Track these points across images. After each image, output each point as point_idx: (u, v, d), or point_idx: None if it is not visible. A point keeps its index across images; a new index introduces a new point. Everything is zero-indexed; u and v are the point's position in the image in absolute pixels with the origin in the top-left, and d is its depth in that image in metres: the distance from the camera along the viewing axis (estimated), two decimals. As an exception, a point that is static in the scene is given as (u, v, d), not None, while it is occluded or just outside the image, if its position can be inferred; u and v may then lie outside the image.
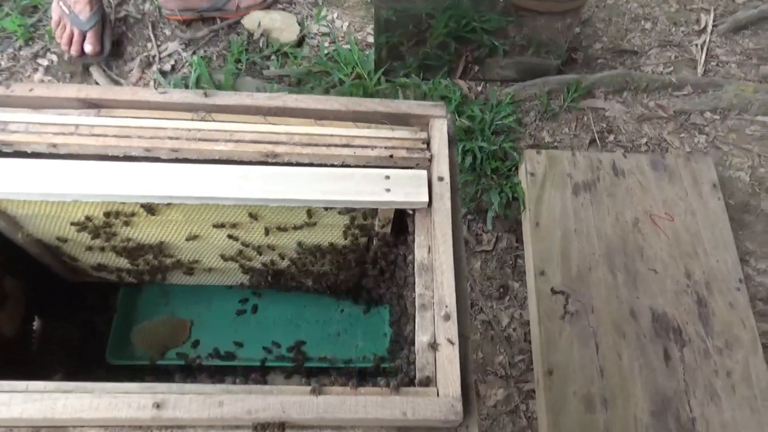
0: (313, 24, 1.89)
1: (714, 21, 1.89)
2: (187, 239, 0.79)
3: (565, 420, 1.13)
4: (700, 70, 1.76)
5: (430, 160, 0.72)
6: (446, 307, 0.62)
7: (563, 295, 1.26)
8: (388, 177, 0.69)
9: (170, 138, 0.70)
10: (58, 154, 0.69)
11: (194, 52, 1.80)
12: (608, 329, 1.22)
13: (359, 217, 0.77)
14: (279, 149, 0.71)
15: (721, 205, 1.38)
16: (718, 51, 1.82)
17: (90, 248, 0.82)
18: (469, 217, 1.50)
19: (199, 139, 0.70)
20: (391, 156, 0.71)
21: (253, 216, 0.75)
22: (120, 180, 0.67)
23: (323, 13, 1.90)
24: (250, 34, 1.84)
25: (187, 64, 1.75)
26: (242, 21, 1.86)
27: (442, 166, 0.71)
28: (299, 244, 0.82)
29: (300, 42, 1.84)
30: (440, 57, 1.69)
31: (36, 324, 0.92)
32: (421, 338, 0.61)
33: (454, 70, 1.73)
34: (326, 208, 0.75)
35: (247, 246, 0.83)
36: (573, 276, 1.29)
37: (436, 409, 0.56)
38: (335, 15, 1.91)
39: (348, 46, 1.79)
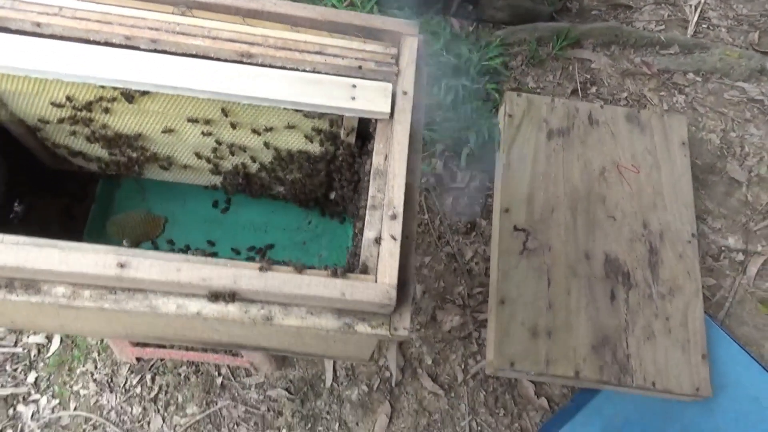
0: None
1: (712, -16, 1.89)
2: (163, 131, 0.84)
3: (511, 345, 1.22)
4: (690, 30, 1.78)
5: (396, 75, 0.76)
6: (394, 208, 0.68)
7: (524, 232, 1.33)
8: (354, 86, 0.73)
9: (150, 29, 0.73)
10: (42, 33, 0.72)
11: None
12: (562, 267, 1.30)
13: (326, 123, 0.81)
14: (254, 50, 0.74)
15: (686, 162, 1.43)
16: (711, 14, 1.83)
17: (72, 133, 0.86)
18: (446, 153, 1.54)
19: (178, 33, 0.73)
20: (360, 67, 0.75)
21: (225, 112, 0.79)
22: (100, 63, 0.70)
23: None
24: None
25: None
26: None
27: (407, 82, 0.75)
28: (268, 145, 0.87)
29: None
30: (433, -7, 1.69)
31: (17, 206, 0.97)
32: (368, 234, 0.67)
33: (448, 7, 1.73)
34: (294, 110, 0.79)
35: (220, 144, 0.87)
36: (536, 216, 1.35)
37: (372, 294, 0.62)
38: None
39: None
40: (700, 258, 1.45)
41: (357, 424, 1.27)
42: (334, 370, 1.30)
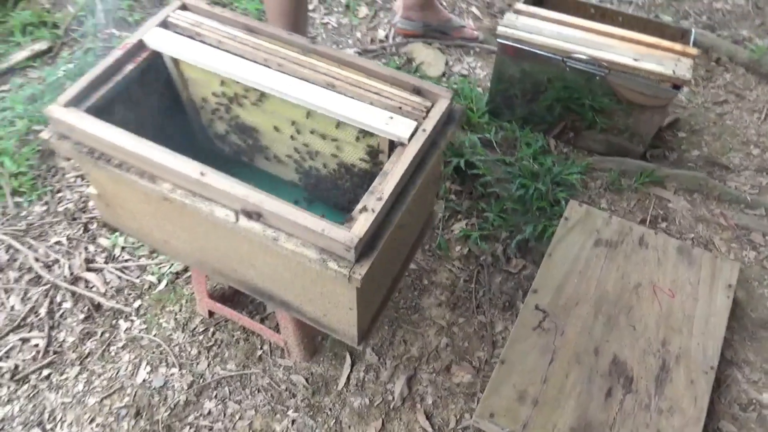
0: (457, 65, 2.31)
1: (825, 167, 1.93)
2: (269, 124, 1.23)
3: (497, 399, 1.34)
4: (784, 201, 1.83)
5: (423, 119, 1.06)
6: (382, 193, 0.95)
7: (544, 313, 1.47)
8: (391, 117, 1.05)
9: (280, 57, 1.14)
10: (219, 47, 1.17)
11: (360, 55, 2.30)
12: (568, 353, 1.40)
13: (375, 142, 1.13)
14: (336, 83, 1.11)
15: (726, 304, 1.48)
16: (814, 192, 1.86)
17: (219, 118, 1.29)
18: (507, 240, 1.76)
19: (295, 63, 1.13)
20: (400, 108, 1.07)
21: (308, 115, 1.15)
22: (245, 71, 1.12)
23: (468, 60, 2.31)
24: (408, 59, 2.32)
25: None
26: (405, 50, 2.35)
27: (429, 124, 1.05)
28: (335, 155, 1.21)
29: (441, 76, 2.26)
30: (543, 116, 1.99)
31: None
32: (359, 206, 0.95)
33: (551, 130, 2.01)
34: (348, 125, 1.12)
35: (303, 145, 1.23)
36: (560, 303, 1.49)
37: (341, 235, 0.89)
38: (478, 64, 2.32)
39: (480, 89, 2.16)
40: (726, 403, 1.44)
41: (350, 427, 1.45)
42: (348, 378, 1.52)
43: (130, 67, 1.15)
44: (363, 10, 2.53)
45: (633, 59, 1.73)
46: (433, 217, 1.42)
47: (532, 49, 1.79)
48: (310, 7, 2.51)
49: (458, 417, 1.46)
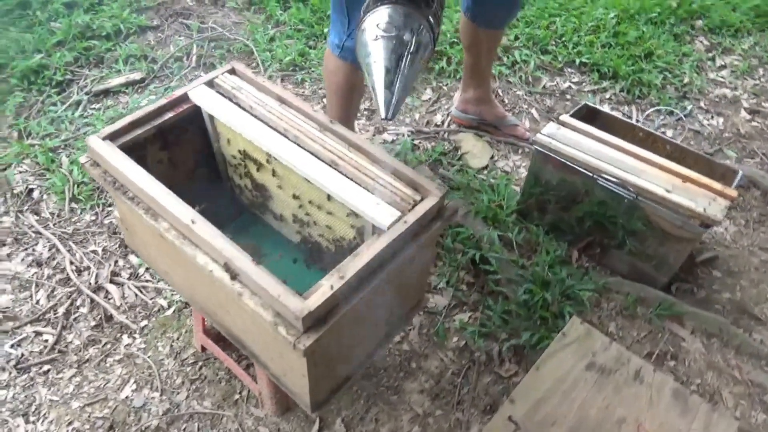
0: (502, 161, 2.36)
1: None
2: (277, 187, 1.33)
3: (443, 503, 1.30)
4: (813, 367, 1.70)
5: (408, 210, 1.12)
6: (345, 273, 1.01)
7: (516, 425, 1.43)
8: (378, 203, 1.12)
9: (298, 129, 1.25)
10: (249, 112, 1.29)
11: (413, 140, 2.41)
12: (530, 473, 1.35)
13: (357, 219, 1.20)
14: (340, 162, 1.19)
15: (715, 463, 1.37)
16: None
17: (239, 174, 1.41)
18: (505, 344, 1.74)
19: (309, 137, 1.23)
20: (390, 197, 1.14)
21: (307, 186, 1.24)
22: (265, 137, 1.23)
23: (515, 158, 2.36)
24: (455, 147, 2.40)
25: (400, 143, 2.37)
26: (455, 137, 2.44)
27: (411, 217, 1.11)
28: (329, 227, 1.28)
29: (483, 168, 2.32)
30: (572, 227, 1.99)
31: (198, 207, 1.54)
32: (322, 281, 1.01)
33: (577, 242, 2.00)
34: (338, 203, 1.19)
35: (304, 212, 1.32)
36: (535, 419, 1.44)
37: (293, 304, 0.95)
38: (523, 163, 2.36)
39: (516, 188, 2.20)
40: None
41: (298, 493, 1.45)
42: (312, 443, 1.53)
43: (170, 114, 1.30)
44: (427, 93, 2.67)
45: (665, 189, 1.71)
46: (421, 305, 1.45)
47: (564, 161, 1.82)
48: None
49: None
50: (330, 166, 1.20)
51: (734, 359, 1.71)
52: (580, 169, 1.80)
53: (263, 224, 1.54)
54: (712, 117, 2.58)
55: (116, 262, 1.92)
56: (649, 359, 1.69)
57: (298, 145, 1.23)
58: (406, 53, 1.00)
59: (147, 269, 1.91)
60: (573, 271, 1.88)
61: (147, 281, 1.88)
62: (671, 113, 2.55)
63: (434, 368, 1.71)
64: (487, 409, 1.62)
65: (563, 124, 1.93)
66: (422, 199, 1.14)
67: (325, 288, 0.99)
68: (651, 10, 3.00)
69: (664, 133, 2.46)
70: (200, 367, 1.67)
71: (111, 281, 1.86)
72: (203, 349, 1.69)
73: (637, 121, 2.52)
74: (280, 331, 0.97)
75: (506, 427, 1.44)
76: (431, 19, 1.05)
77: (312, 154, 1.21)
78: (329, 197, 1.19)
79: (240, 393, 1.62)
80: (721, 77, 2.78)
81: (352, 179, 1.17)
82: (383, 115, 1.04)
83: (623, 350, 1.59)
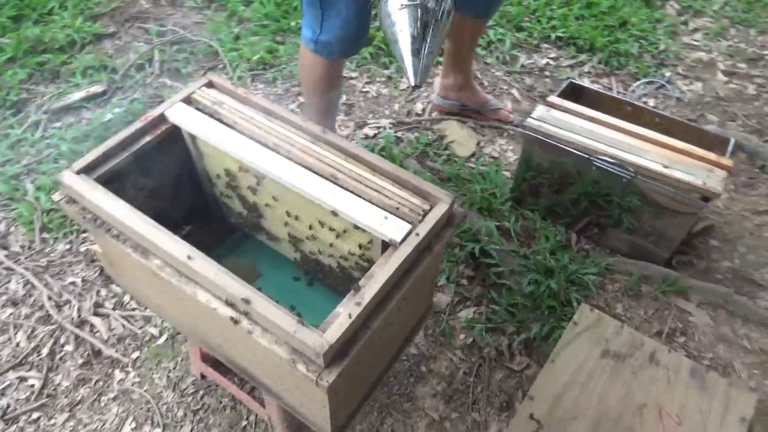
0: (488, 147, 2.31)
1: None
2: (270, 206, 1.24)
3: None
4: (819, 329, 1.71)
5: (419, 222, 1.05)
6: (362, 298, 0.94)
7: (538, 423, 1.40)
8: (386, 217, 1.05)
9: (289, 144, 1.16)
10: (235, 127, 1.20)
11: (396, 132, 2.34)
12: (559, 472, 1.32)
13: (364, 234, 1.12)
14: (339, 175, 1.11)
15: (740, 440, 1.37)
16: None
17: (227, 194, 1.32)
18: (515, 336, 1.70)
19: (303, 151, 1.15)
20: (398, 208, 1.07)
21: (307, 203, 1.16)
22: (254, 153, 1.14)
23: (500, 142, 2.31)
24: (440, 136, 2.34)
25: (383, 136, 2.29)
26: (438, 126, 2.37)
27: (423, 228, 1.04)
28: (331, 245, 1.21)
29: (470, 156, 2.26)
30: (568, 209, 1.95)
31: (185, 228, 1.45)
32: (338, 309, 0.94)
33: (574, 224, 1.96)
34: (342, 218, 1.12)
35: (299, 227, 1.24)
36: (556, 415, 1.41)
37: (312, 340, 0.88)
38: (510, 147, 2.31)
39: (507, 173, 2.15)
40: None
41: None
42: (329, 463, 1.47)
43: (148, 138, 1.20)
44: (404, 82, 2.58)
45: (663, 165, 1.68)
46: (431, 310, 1.39)
47: (559, 145, 1.77)
48: (353, 74, 2.58)
49: None
50: (329, 180, 1.12)
51: (742, 329, 1.71)
52: (575, 151, 1.76)
53: (257, 242, 1.45)
54: (691, 82, 2.56)
55: (98, 292, 1.81)
56: (659, 338, 1.67)
57: (292, 160, 1.15)
58: (431, 20, 1.02)
59: (132, 297, 1.80)
60: (574, 255, 1.85)
61: (134, 309, 1.77)
62: (651, 83, 2.53)
63: (444, 369, 1.66)
64: (504, 406, 1.58)
65: (552, 105, 1.88)
66: (431, 208, 1.08)
67: (342, 318, 0.92)
68: (619, -22, 2.96)
69: (646, 103, 2.44)
70: (202, 396, 1.59)
71: (95, 313, 1.75)
72: (203, 376, 1.61)
73: (618, 92, 2.49)
74: (299, 369, 0.90)
75: (528, 425, 1.40)
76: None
77: (308, 168, 1.13)
78: (331, 213, 1.12)
79: (247, 419, 1.55)
80: (696, 41, 2.76)
81: (354, 193, 1.10)
82: (412, 82, 1.07)
83: (635, 333, 1.57)
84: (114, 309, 1.77)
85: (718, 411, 1.42)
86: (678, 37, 2.79)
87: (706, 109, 2.47)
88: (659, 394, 1.45)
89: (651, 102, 2.46)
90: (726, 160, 1.70)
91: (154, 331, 1.72)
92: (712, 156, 1.71)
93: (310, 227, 1.24)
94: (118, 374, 1.63)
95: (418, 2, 1.03)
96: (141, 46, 2.65)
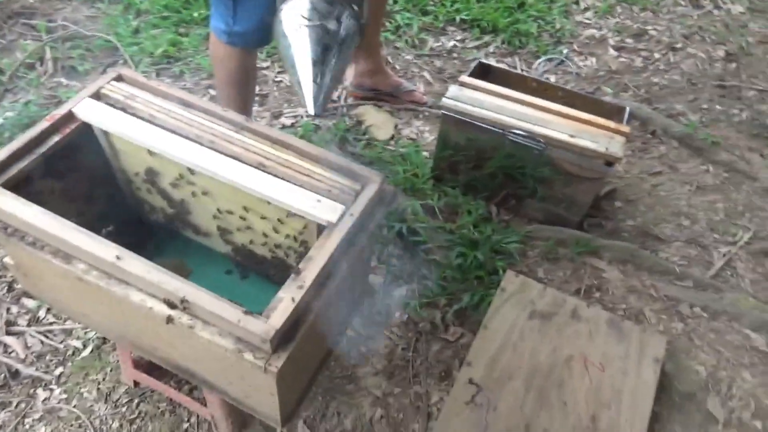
0: (406, 129, 2.35)
1: (750, 239, 2.03)
2: (196, 199, 1.21)
3: (426, 480, 1.31)
4: (711, 272, 1.91)
5: (352, 202, 1.07)
6: (303, 282, 0.95)
7: (477, 387, 1.47)
8: (319, 200, 1.06)
9: (212, 134, 1.14)
10: (151, 121, 1.16)
11: (313, 120, 2.33)
12: (499, 430, 1.40)
13: (297, 220, 1.13)
14: (267, 163, 1.11)
15: (654, 379, 1.50)
16: (739, 264, 1.95)
17: (147, 189, 1.27)
18: (446, 308, 1.76)
19: (226, 141, 1.13)
20: (329, 191, 1.08)
21: (235, 194, 1.14)
22: (176, 147, 1.11)
23: (417, 123, 2.36)
24: (358, 122, 2.35)
25: (300, 125, 2.28)
26: (355, 112, 2.39)
27: (357, 208, 1.06)
28: (265, 234, 1.20)
29: (390, 139, 2.30)
30: (486, 184, 2.03)
31: (106, 229, 1.37)
32: (280, 294, 0.94)
33: (493, 197, 2.05)
34: (272, 206, 1.12)
35: (230, 218, 1.22)
36: (493, 377, 1.49)
37: (257, 327, 0.88)
38: (427, 128, 2.37)
39: (426, 153, 2.21)
40: (655, 479, 1.46)
41: (276, 508, 1.39)
42: (278, 454, 1.47)
43: (56, 138, 1.13)
44: (316, 70, 2.57)
45: (569, 135, 1.80)
46: (369, 291, 1.42)
47: (474, 122, 1.85)
48: (265, 64, 2.54)
49: (389, 495, 1.43)
50: (257, 168, 1.11)
51: (649, 280, 1.87)
52: (489, 127, 1.84)
53: (183, 239, 1.41)
54: (586, 58, 2.74)
55: (8, 309, 1.68)
56: (578, 295, 1.80)
57: (216, 150, 1.12)
58: (333, 44, 0.92)
59: (48, 309, 1.69)
60: (496, 226, 1.94)
61: (51, 323, 1.67)
62: (551, 60, 2.68)
63: (383, 348, 1.70)
64: (443, 376, 1.64)
65: (464, 84, 1.95)
66: (362, 188, 1.10)
67: (286, 302, 0.92)
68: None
69: (548, 79, 2.58)
70: (137, 405, 1.53)
71: (7, 332, 1.63)
72: (136, 384, 1.54)
73: (523, 70, 2.61)
74: (246, 358, 0.90)
75: (468, 390, 1.47)
76: (355, 7, 0.98)
77: (234, 158, 1.11)
78: (263, 202, 1.11)
79: (188, 421, 1.51)
80: (587, 19, 2.95)
81: (284, 179, 1.09)
82: (311, 112, 0.99)
83: (557, 293, 1.68)
84: (29, 325, 1.65)
85: (634, 355, 1.55)
86: (571, 16, 2.96)
87: (601, 82, 2.65)
88: (583, 345, 1.57)
89: (552, 78, 2.61)
90: (624, 127, 1.85)
91: (77, 343, 1.62)
92: (611, 124, 1.85)
93: (242, 218, 1.22)
94: (42, 393, 1.53)
95: (318, 23, 0.93)
96: (29, 45, 2.45)
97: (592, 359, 1.54)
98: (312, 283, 0.95)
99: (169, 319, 0.92)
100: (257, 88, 2.39)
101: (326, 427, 1.53)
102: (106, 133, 1.19)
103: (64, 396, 1.53)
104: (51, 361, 1.59)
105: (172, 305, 0.93)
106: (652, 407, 1.48)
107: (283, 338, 0.91)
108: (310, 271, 0.96)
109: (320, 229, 1.08)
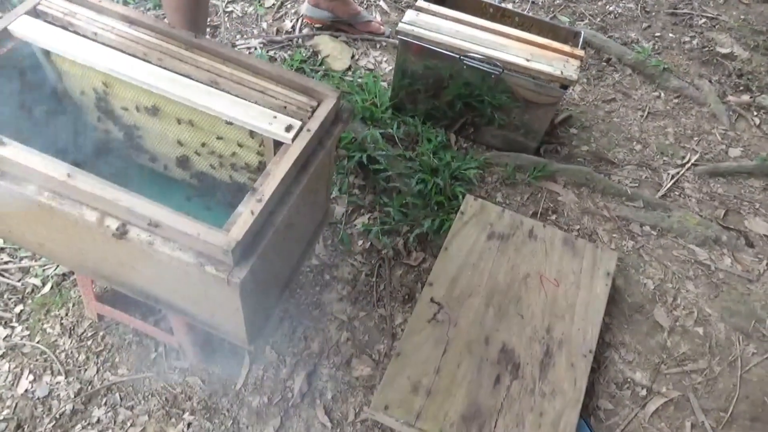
0: (363, 59, 2.31)
1: (696, 161, 2.11)
2: (149, 122, 1.18)
3: (391, 392, 1.37)
4: (660, 193, 1.99)
5: (308, 118, 1.06)
6: (262, 195, 0.95)
7: (438, 305, 1.52)
8: (275, 117, 1.04)
9: (160, 52, 1.10)
10: (96, 39, 1.11)
11: (268, 51, 2.26)
12: (460, 343, 1.46)
13: (254, 138, 1.12)
14: (220, 80, 1.08)
15: (605, 291, 1.59)
16: (687, 185, 2.03)
17: (95, 112, 1.23)
18: (408, 234, 1.79)
19: (176, 58, 1.09)
20: (285, 107, 1.06)
21: (190, 113, 1.12)
22: (124, 66, 1.07)
23: (374, 54, 2.32)
24: (314, 52, 2.30)
25: (256, 56, 2.21)
26: (311, 42, 2.33)
27: (313, 124, 1.05)
28: (221, 156, 1.18)
29: (347, 70, 2.26)
30: (445, 112, 2.04)
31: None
32: (239, 208, 0.94)
33: (452, 125, 2.06)
34: (229, 123, 1.10)
35: (185, 142, 1.20)
36: (454, 295, 1.54)
37: (217, 239, 0.88)
38: (384, 58, 2.33)
39: (385, 83, 2.18)
40: (605, 383, 1.56)
41: (248, 427, 1.43)
42: (246, 377, 1.50)
43: (-8, 58, 1.07)
44: (270, 0, 2.48)
45: (525, 59, 1.80)
46: (330, 214, 1.43)
47: (430, 47, 1.83)
48: (214, -6, 2.43)
49: (357, 410, 1.48)
50: (210, 86, 1.08)
51: (601, 201, 1.94)
52: (445, 52, 1.82)
53: (137, 165, 1.38)
54: (543, -14, 2.72)
55: (-41, 250, 1.63)
56: (535, 217, 1.86)
57: (166, 68, 1.09)
58: None
59: (2, 249, 1.65)
60: (455, 153, 1.96)
61: (7, 263, 1.63)
62: (509, -13, 2.65)
63: (347, 275, 1.73)
64: (406, 299, 1.69)
65: (420, 9, 1.92)
66: (318, 104, 1.09)
67: (245, 215, 0.92)
68: None
69: (505, 5, 2.55)
70: (102, 337, 1.53)
71: (-40, 273, 1.59)
72: (100, 317, 1.54)
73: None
74: (208, 271, 0.90)
75: (430, 308, 1.52)
76: None
77: (185, 76, 1.08)
78: (217, 121, 1.09)
79: (156, 350, 1.52)
80: (545, -54, 2.91)
81: (239, 96, 1.07)
82: None
83: (515, 215, 1.73)
84: (-18, 265, 1.61)
85: (587, 270, 1.63)
86: (529, -58, 2.91)
87: (557, 10, 2.65)
88: (539, 263, 1.63)
89: (510, 6, 2.58)
90: (578, 51, 1.86)
91: (36, 281, 1.60)
92: (566, 48, 1.86)
93: (200, 143, 1.20)
94: (3, 331, 1.51)
95: None
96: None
97: (548, 275, 1.61)
98: (270, 198, 0.95)
99: (123, 234, 0.91)
100: (208, 19, 2.29)
101: (294, 351, 1.56)
102: (47, 53, 1.14)
103: (27, 333, 1.52)
104: (10, 299, 1.57)
105: (128, 222, 0.92)
106: (603, 318, 1.56)
107: (244, 251, 0.92)
108: (269, 186, 0.96)
109: (277, 145, 1.07)
